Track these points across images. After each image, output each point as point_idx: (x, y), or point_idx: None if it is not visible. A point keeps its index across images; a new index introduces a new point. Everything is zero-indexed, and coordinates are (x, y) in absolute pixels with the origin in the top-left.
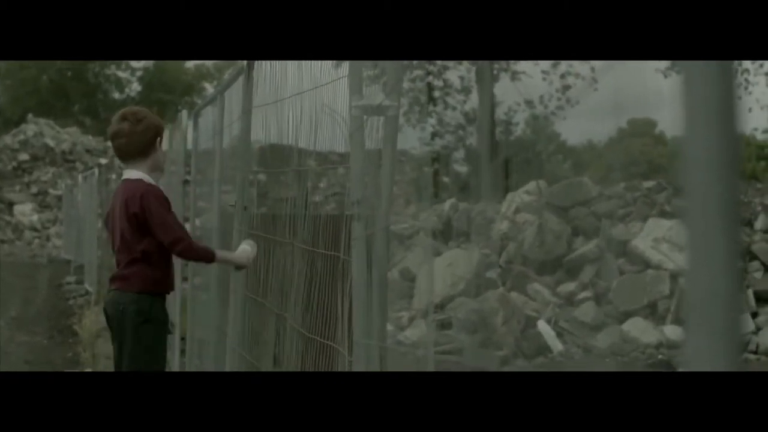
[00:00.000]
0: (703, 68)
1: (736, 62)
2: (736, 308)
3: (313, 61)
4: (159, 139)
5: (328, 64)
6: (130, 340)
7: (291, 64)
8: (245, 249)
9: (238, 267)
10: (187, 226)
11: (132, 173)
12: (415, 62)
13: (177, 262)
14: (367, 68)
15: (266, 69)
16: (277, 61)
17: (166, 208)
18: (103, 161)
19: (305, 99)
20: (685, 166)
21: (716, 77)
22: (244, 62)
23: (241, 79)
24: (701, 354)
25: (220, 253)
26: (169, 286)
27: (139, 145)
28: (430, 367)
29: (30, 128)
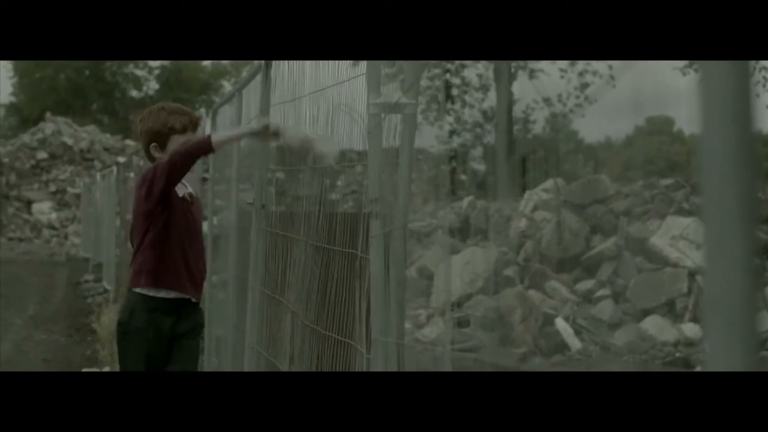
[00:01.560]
0: (719, 67)
1: (753, 61)
2: (754, 306)
3: (330, 60)
4: (155, 144)
5: (345, 63)
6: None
7: (308, 63)
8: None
9: (266, 136)
10: (205, 225)
11: None
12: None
13: (193, 260)
14: (386, 66)
15: (284, 67)
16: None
17: (155, 166)
18: (122, 159)
19: (323, 97)
20: (702, 163)
21: (733, 76)
22: (262, 60)
23: (258, 78)
24: (719, 352)
25: (217, 134)
26: (172, 285)
27: (144, 147)
28: (447, 365)
29: (48, 127)
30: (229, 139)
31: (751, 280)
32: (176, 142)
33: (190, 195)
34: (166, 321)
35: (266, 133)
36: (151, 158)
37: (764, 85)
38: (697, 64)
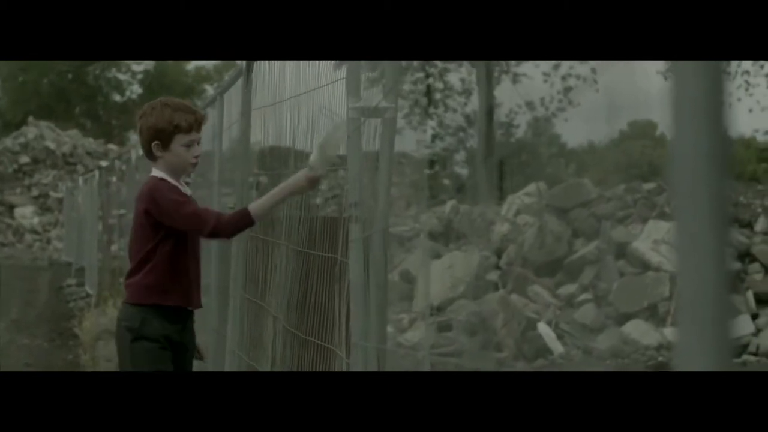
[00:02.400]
0: (691, 68)
1: (724, 62)
2: (727, 309)
3: (312, 63)
4: (157, 143)
5: (327, 66)
6: (124, 362)
7: (289, 66)
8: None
9: (302, 189)
10: None
11: (151, 170)
12: (415, 64)
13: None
14: (365, 70)
15: (265, 71)
16: (276, 63)
17: (177, 193)
18: (104, 164)
19: (304, 101)
20: (675, 166)
21: (704, 77)
22: (243, 64)
23: (240, 81)
24: (692, 355)
25: (256, 204)
26: (180, 300)
27: (144, 145)
28: (426, 369)
29: (30, 131)
30: (271, 205)
31: (723, 282)
32: (180, 142)
33: (191, 198)
34: (173, 329)
35: (308, 181)
36: (151, 156)
37: (747, 89)
38: (669, 65)
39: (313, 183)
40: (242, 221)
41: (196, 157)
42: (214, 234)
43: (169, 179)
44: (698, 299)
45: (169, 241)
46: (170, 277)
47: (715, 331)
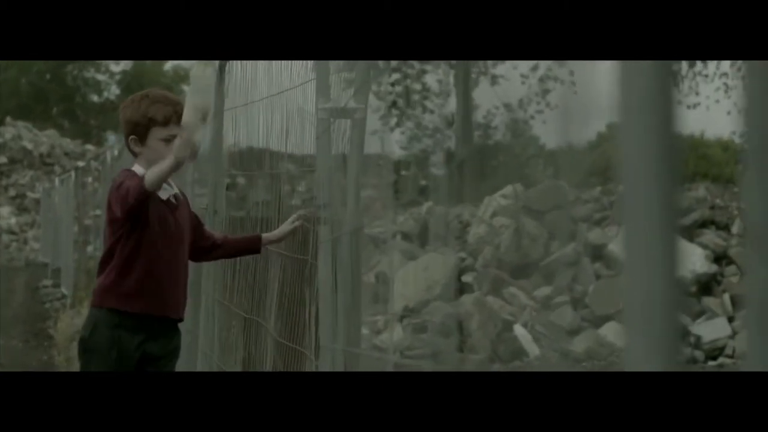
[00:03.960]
0: (638, 67)
1: (673, 62)
2: (675, 314)
3: (284, 63)
4: (133, 137)
5: (299, 66)
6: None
7: (261, 67)
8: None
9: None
10: None
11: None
12: (393, 65)
13: (176, 276)
14: (337, 70)
15: (237, 71)
16: (248, 63)
17: (118, 184)
18: (81, 164)
19: (276, 101)
20: (622, 167)
21: (651, 76)
22: (216, 64)
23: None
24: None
25: (149, 174)
26: (148, 307)
27: (125, 139)
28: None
29: (8, 131)
30: (162, 172)
31: (671, 286)
32: (157, 136)
33: (176, 197)
34: (132, 340)
35: (184, 145)
36: (132, 151)
37: (725, 92)
38: (616, 65)
39: (187, 143)
40: (137, 191)
41: None
42: (120, 206)
43: (137, 172)
44: (645, 304)
45: (132, 238)
46: (134, 280)
47: (664, 340)
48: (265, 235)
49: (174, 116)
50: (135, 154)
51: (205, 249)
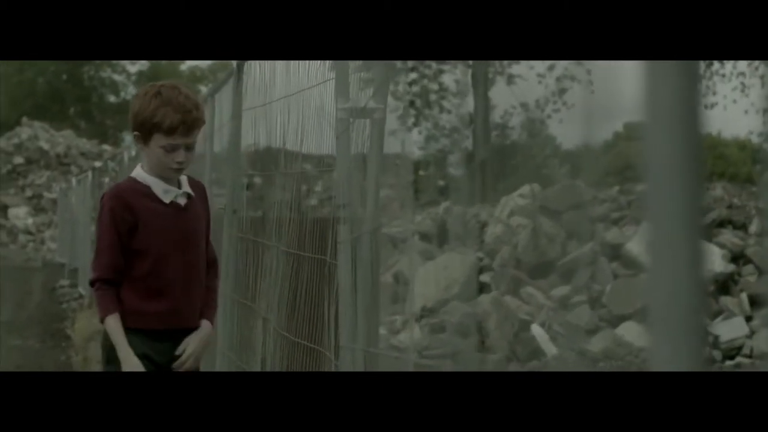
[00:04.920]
0: (665, 68)
1: (699, 63)
2: (698, 314)
3: (302, 63)
4: (137, 134)
5: (317, 67)
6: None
7: (279, 67)
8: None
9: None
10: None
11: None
12: (410, 65)
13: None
14: (356, 71)
15: (255, 72)
16: (266, 64)
17: (101, 216)
18: (98, 164)
19: (294, 101)
20: (647, 168)
21: (678, 78)
22: (234, 65)
23: (231, 82)
24: (664, 359)
25: (110, 323)
26: (160, 323)
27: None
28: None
29: (24, 131)
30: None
31: (695, 287)
32: (159, 142)
33: (188, 195)
34: (160, 348)
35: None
36: (140, 144)
37: (742, 90)
38: (642, 65)
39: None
40: (100, 311)
41: (180, 162)
42: (95, 290)
43: (148, 179)
44: (670, 305)
45: (142, 258)
46: (146, 301)
47: (687, 338)
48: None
49: (181, 126)
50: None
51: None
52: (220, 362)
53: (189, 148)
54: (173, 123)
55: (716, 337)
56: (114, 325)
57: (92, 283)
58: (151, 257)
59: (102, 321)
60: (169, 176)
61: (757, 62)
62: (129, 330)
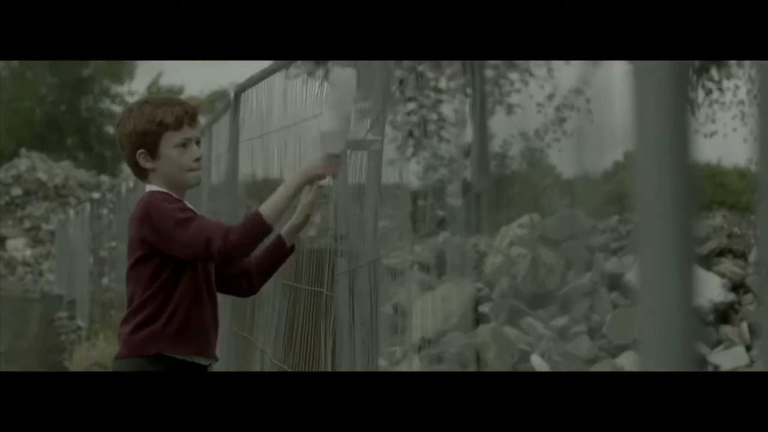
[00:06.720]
0: (653, 92)
1: (690, 87)
2: (691, 343)
3: (299, 95)
4: (142, 151)
5: (317, 96)
6: None
7: (277, 98)
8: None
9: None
10: None
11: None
12: (408, 96)
13: (204, 309)
14: (355, 102)
15: (252, 102)
16: (264, 95)
17: (180, 208)
18: (96, 195)
19: (292, 132)
20: (637, 196)
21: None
22: (231, 95)
23: (228, 113)
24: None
25: (267, 204)
26: (194, 349)
27: (129, 158)
28: None
29: (23, 162)
30: (285, 199)
31: (687, 318)
32: (171, 143)
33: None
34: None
35: (327, 163)
36: (139, 171)
37: (741, 119)
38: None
39: (332, 165)
40: (256, 229)
41: (197, 160)
42: (224, 253)
43: (172, 193)
44: (661, 337)
45: (179, 275)
46: (184, 323)
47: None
48: (285, 230)
49: (186, 117)
50: (145, 175)
51: (233, 276)
52: None
53: (198, 141)
54: (179, 114)
55: (717, 367)
56: (271, 202)
57: (226, 237)
58: (189, 281)
59: (267, 225)
60: (189, 182)
61: (756, 90)
62: (151, 362)
